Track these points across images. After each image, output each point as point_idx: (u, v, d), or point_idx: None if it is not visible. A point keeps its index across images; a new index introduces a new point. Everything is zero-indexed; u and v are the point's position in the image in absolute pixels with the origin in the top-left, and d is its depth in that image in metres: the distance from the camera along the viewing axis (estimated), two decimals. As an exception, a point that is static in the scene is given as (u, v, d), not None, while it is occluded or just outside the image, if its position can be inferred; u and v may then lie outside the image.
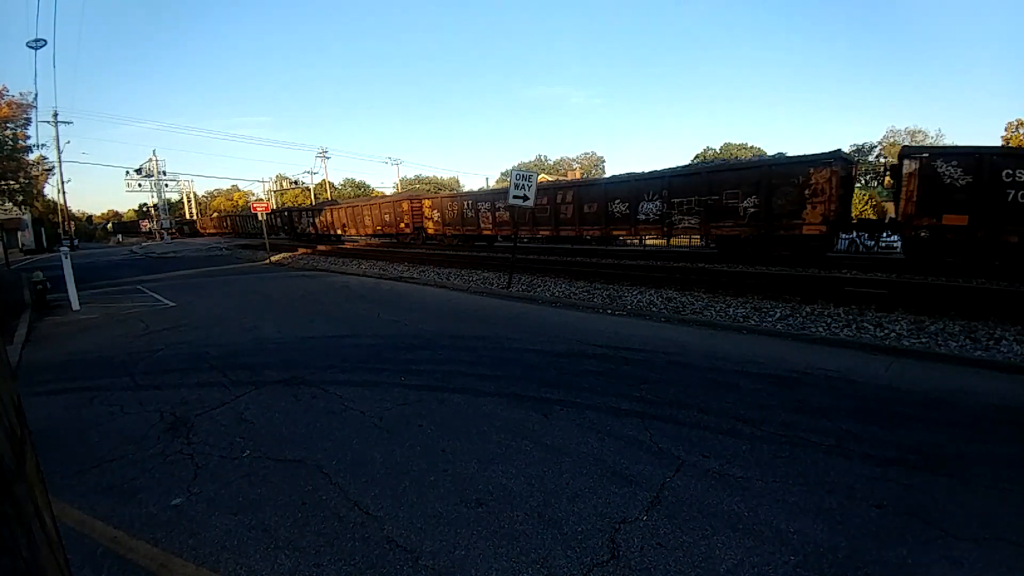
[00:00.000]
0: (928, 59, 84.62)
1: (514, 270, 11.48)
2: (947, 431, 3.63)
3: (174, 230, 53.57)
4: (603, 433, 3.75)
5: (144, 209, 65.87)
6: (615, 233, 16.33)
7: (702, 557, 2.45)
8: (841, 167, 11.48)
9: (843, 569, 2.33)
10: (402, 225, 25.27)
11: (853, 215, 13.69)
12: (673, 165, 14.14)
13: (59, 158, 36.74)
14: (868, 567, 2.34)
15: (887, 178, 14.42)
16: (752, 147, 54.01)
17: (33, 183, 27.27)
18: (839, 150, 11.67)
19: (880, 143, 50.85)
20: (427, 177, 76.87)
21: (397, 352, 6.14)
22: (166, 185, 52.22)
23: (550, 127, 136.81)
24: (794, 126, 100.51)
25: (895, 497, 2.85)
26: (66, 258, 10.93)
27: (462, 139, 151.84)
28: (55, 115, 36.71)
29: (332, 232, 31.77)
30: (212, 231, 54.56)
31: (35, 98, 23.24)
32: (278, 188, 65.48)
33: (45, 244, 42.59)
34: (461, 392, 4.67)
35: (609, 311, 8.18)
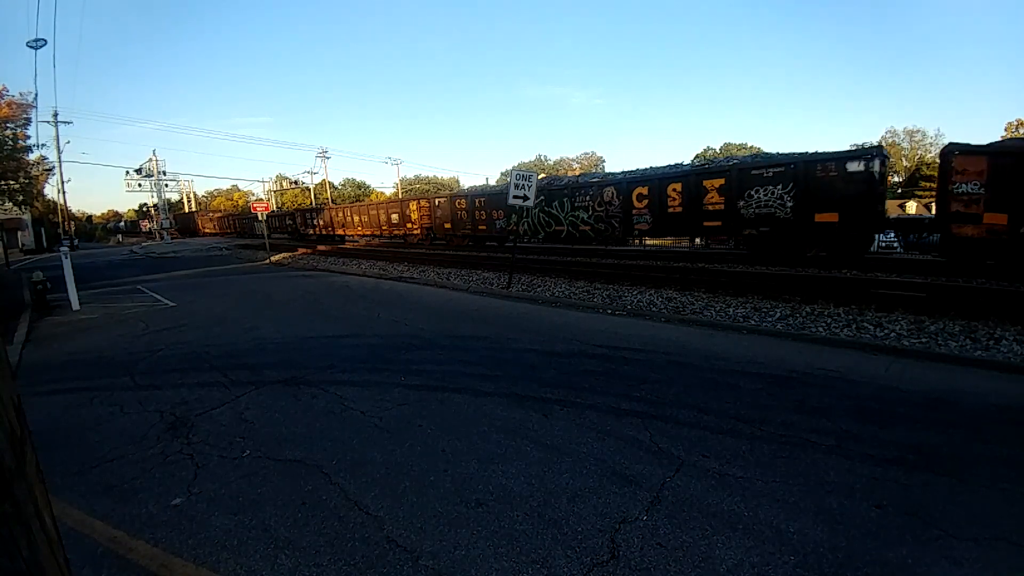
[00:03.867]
0: (928, 59, 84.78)
1: (514, 270, 11.48)
2: (947, 431, 3.63)
3: (174, 230, 53.40)
4: (603, 433, 3.75)
5: (144, 209, 65.89)
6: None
7: (702, 557, 2.45)
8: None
9: (843, 569, 2.33)
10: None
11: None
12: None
13: (59, 158, 36.72)
14: (868, 567, 2.34)
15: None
16: (752, 147, 54.04)
17: (33, 183, 27.32)
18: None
19: (879, 143, 50.91)
20: (427, 177, 76.84)
21: (397, 352, 6.15)
22: (166, 185, 52.05)
23: (550, 127, 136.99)
24: (794, 126, 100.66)
25: (895, 497, 2.85)
26: (66, 258, 10.93)
27: (462, 139, 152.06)
28: (55, 115, 36.66)
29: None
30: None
31: (35, 98, 23.31)
32: (278, 188, 65.48)
33: (45, 244, 42.58)
34: (461, 392, 4.67)
35: (609, 311, 8.18)
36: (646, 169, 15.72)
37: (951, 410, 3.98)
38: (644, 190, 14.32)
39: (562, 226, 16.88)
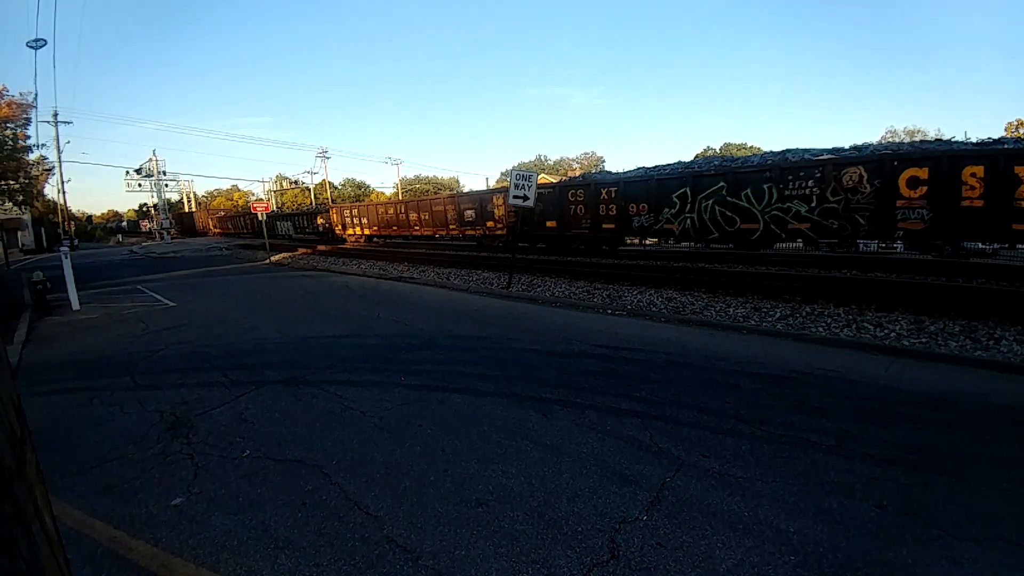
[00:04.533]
0: (928, 59, 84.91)
1: (514, 270, 11.47)
2: (947, 431, 3.63)
3: (175, 230, 53.27)
4: (603, 433, 3.75)
5: (144, 209, 65.87)
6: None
7: (702, 557, 2.45)
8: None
9: (843, 569, 2.33)
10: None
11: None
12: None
13: (59, 158, 36.80)
14: (868, 567, 2.34)
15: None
16: (752, 147, 54.00)
17: (33, 183, 27.31)
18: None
19: (879, 143, 50.72)
20: (427, 177, 76.85)
21: (397, 352, 6.15)
22: (166, 185, 52.15)
23: (550, 127, 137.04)
24: (794, 126, 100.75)
25: (895, 497, 2.85)
26: (66, 258, 10.94)
27: (462, 139, 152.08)
28: (55, 115, 36.74)
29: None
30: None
31: (35, 98, 23.34)
32: (278, 188, 65.51)
33: (45, 244, 42.55)
34: (461, 392, 4.67)
35: (609, 311, 8.18)
36: (926, 142, 11.68)
37: (951, 410, 3.98)
38: (920, 172, 10.09)
39: (755, 223, 12.13)
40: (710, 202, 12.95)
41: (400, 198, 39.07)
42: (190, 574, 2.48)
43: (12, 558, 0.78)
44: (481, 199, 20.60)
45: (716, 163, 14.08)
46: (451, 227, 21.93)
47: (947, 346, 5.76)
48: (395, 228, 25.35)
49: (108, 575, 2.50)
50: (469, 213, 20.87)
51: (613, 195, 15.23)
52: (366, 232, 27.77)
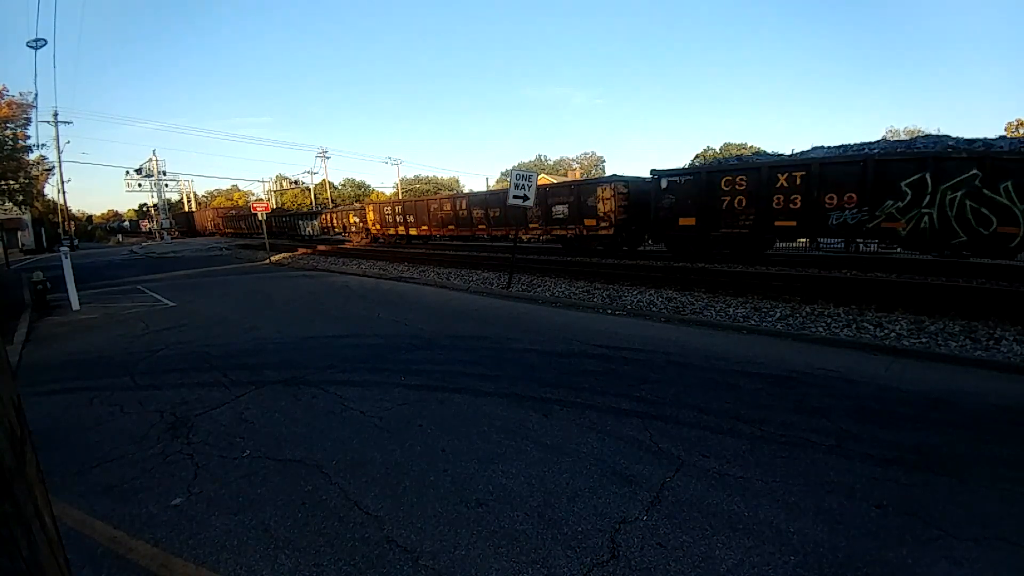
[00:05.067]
0: (928, 59, 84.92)
1: (514, 270, 11.48)
2: (947, 431, 3.63)
3: (175, 230, 53.09)
4: (603, 433, 3.75)
5: (144, 209, 65.84)
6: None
7: (702, 557, 2.45)
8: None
9: (843, 569, 2.33)
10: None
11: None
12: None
13: (59, 158, 36.72)
14: (868, 567, 2.34)
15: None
16: (752, 147, 53.91)
17: (33, 183, 27.32)
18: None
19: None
20: (427, 177, 76.82)
21: (397, 352, 6.15)
22: (166, 185, 52.03)
23: (550, 127, 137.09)
24: (794, 126, 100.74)
25: (895, 497, 2.85)
26: (66, 258, 10.94)
27: (462, 139, 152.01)
28: (55, 115, 36.66)
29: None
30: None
31: (35, 98, 23.36)
32: (278, 188, 65.48)
33: (45, 244, 42.54)
34: (461, 392, 4.67)
35: (609, 311, 8.18)
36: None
37: (951, 410, 3.98)
38: None
39: (1014, 226, 9.11)
40: (958, 194, 9.59)
41: (430, 195, 34.61)
42: (190, 574, 2.48)
43: (12, 558, 0.78)
44: (579, 191, 16.32)
45: (954, 143, 10.87)
46: (532, 225, 17.92)
47: (947, 346, 5.76)
48: (452, 227, 21.25)
49: (108, 575, 2.50)
50: (560, 209, 16.79)
51: (798, 181, 11.53)
52: (411, 232, 23.64)
